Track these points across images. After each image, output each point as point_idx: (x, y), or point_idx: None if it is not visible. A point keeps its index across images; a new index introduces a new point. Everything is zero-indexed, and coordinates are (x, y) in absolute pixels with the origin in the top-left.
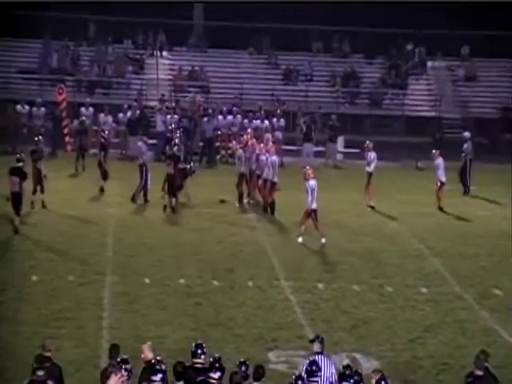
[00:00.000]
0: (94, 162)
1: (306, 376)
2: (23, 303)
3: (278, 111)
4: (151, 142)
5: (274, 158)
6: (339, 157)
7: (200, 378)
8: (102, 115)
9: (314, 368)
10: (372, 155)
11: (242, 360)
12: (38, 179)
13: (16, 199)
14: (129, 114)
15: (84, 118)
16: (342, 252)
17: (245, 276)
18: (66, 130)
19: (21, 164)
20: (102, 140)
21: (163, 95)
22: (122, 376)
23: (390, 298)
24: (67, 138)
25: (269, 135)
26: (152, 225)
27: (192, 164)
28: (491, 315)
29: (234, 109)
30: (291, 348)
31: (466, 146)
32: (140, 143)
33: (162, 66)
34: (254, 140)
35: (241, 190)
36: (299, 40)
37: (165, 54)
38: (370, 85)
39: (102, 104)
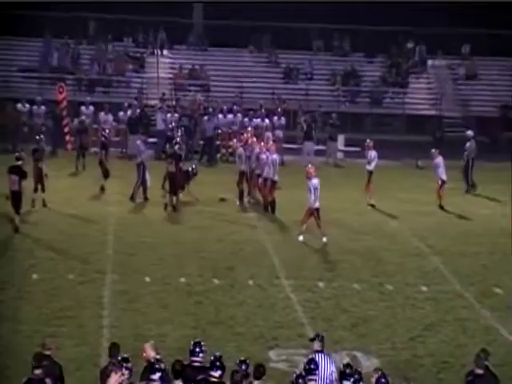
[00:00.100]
0: (94, 160)
1: (304, 374)
2: (23, 302)
3: (279, 110)
4: (151, 140)
5: (275, 156)
6: (340, 155)
7: (201, 377)
8: (102, 114)
9: (312, 366)
10: (372, 154)
11: (243, 359)
12: (39, 178)
13: (15, 198)
14: (129, 112)
15: (84, 117)
16: (343, 250)
17: (245, 274)
18: (66, 129)
19: (20, 162)
20: (103, 139)
21: (164, 94)
22: (123, 375)
23: (391, 297)
24: (67, 137)
25: (269, 134)
26: (152, 223)
27: (194, 166)
28: (492, 314)
29: (235, 107)
30: (292, 347)
31: (468, 144)
32: (138, 142)
33: (163, 65)
34: (255, 139)
35: (241, 188)
36: (299, 38)
37: (165, 52)
38: (371, 83)
39: (103, 102)
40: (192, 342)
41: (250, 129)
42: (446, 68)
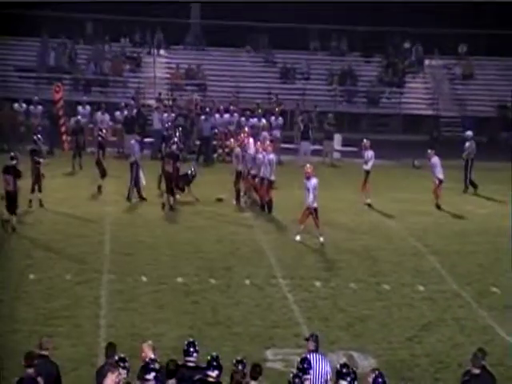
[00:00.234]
0: (90, 160)
1: (299, 374)
2: (20, 302)
3: (276, 109)
4: (148, 140)
5: (272, 156)
6: (336, 155)
7: (198, 377)
8: (98, 113)
9: (305, 366)
10: (369, 154)
11: (239, 358)
12: (37, 178)
13: (10, 198)
14: (126, 112)
15: (80, 116)
16: (339, 250)
17: (242, 274)
18: (63, 129)
19: (14, 162)
20: (100, 138)
21: (160, 93)
22: (119, 374)
23: (387, 296)
24: (64, 137)
25: (266, 133)
26: (149, 223)
27: (193, 169)
28: (489, 313)
29: (231, 107)
30: (288, 346)
31: (468, 144)
32: (133, 141)
33: (159, 65)
34: (251, 138)
35: (238, 188)
36: (296, 38)
37: (162, 52)
38: (368, 83)
39: (99, 102)
40: (186, 342)
41: (246, 129)
42: (443, 68)
